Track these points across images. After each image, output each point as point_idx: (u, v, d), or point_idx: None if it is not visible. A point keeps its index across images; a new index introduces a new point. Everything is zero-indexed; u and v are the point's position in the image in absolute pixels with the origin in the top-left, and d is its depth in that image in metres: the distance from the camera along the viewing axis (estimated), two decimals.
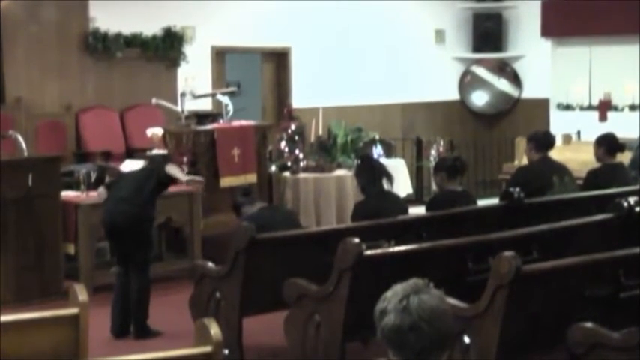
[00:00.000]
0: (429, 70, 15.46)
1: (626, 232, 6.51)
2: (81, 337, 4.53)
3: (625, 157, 9.47)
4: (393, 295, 2.87)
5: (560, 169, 8.60)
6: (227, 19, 13.25)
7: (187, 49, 12.85)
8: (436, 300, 2.86)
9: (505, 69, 15.89)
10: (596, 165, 8.97)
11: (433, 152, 12.95)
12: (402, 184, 11.70)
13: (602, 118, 14.56)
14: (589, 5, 14.48)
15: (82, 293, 4.59)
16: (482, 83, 15.92)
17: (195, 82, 12.20)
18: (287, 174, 10.97)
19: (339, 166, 11.36)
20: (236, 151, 10.05)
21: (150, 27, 12.49)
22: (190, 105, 10.76)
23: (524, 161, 9.19)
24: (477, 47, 15.89)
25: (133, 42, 12.38)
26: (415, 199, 12.59)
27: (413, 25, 15.27)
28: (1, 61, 11.43)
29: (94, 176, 9.25)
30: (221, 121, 10.36)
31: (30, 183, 8.44)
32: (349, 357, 5.83)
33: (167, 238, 9.55)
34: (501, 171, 12.79)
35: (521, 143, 12.67)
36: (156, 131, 10.38)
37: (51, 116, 11.79)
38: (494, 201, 8.58)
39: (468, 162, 13.76)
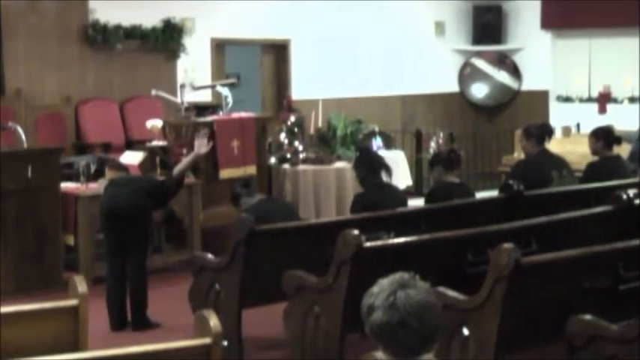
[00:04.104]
0: (428, 62, 15.45)
1: (625, 224, 6.51)
2: (80, 328, 4.54)
3: (623, 150, 9.47)
4: (380, 290, 2.85)
5: (559, 163, 8.59)
6: (227, 10, 13.24)
7: (187, 41, 12.84)
8: (423, 294, 2.84)
9: (505, 61, 15.88)
10: (595, 157, 8.97)
11: (433, 144, 12.95)
12: (401, 176, 11.72)
13: (602, 110, 14.56)
14: None
15: (81, 285, 4.60)
16: (482, 75, 15.92)
17: (194, 73, 12.20)
18: (286, 166, 10.98)
19: (339, 158, 11.36)
20: (235, 143, 10.05)
21: (149, 19, 12.48)
22: (190, 97, 10.76)
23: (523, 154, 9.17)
24: (477, 39, 15.88)
25: (133, 34, 12.37)
26: (414, 191, 12.59)
27: (413, 17, 15.25)
28: (1, 53, 11.42)
29: (93, 168, 9.26)
30: (220, 112, 10.36)
31: (30, 174, 8.44)
32: (348, 348, 5.84)
33: (166, 230, 9.54)
34: (501, 163, 12.82)
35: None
36: (155, 123, 10.38)
37: (50, 108, 11.78)
38: (493, 193, 8.59)
39: (468, 154, 13.84)
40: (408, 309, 2.79)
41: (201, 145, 7.97)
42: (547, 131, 8.75)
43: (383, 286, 2.86)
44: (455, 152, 8.22)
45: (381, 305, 2.82)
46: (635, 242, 5.56)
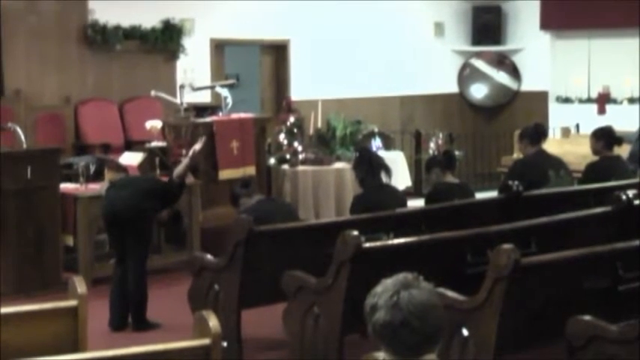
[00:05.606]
0: (428, 62, 15.45)
1: (624, 225, 6.51)
2: (80, 329, 4.53)
3: (623, 150, 9.47)
4: (384, 290, 2.86)
5: (556, 163, 8.61)
6: (226, 11, 13.24)
7: (186, 42, 12.84)
8: (426, 294, 2.84)
9: (504, 62, 15.88)
10: (594, 158, 8.98)
11: (432, 145, 12.95)
12: (400, 177, 11.71)
13: (601, 111, 14.57)
14: None
15: (80, 285, 4.60)
16: (481, 76, 15.92)
17: (194, 74, 12.20)
18: (286, 166, 10.98)
19: (338, 159, 11.36)
20: (235, 144, 10.05)
21: (149, 19, 12.48)
22: (189, 97, 10.75)
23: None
24: (477, 40, 15.89)
25: (132, 34, 12.37)
26: (414, 191, 12.59)
27: (412, 18, 15.26)
28: (1, 53, 11.42)
29: (92, 168, 9.27)
30: (220, 113, 10.35)
31: (29, 175, 8.44)
32: (348, 349, 5.84)
33: (167, 230, 9.54)
34: (500, 164, 12.81)
35: None
36: (155, 123, 10.38)
37: (50, 108, 11.79)
38: (493, 193, 8.59)
39: (467, 155, 13.85)
40: (411, 309, 2.80)
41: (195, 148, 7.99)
42: (540, 131, 8.77)
43: (387, 285, 2.86)
44: (449, 153, 8.32)
45: (384, 305, 2.82)
46: (634, 243, 5.56)
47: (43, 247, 8.61)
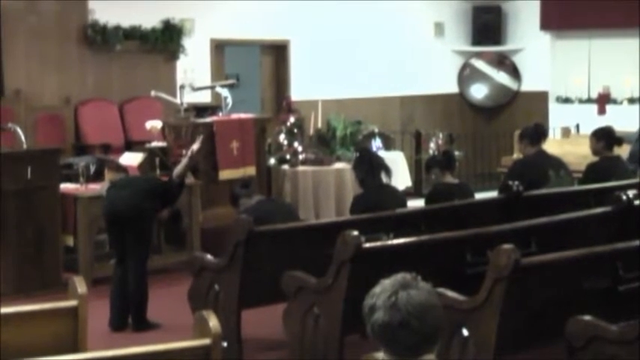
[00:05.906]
0: (428, 62, 15.45)
1: (625, 225, 6.51)
2: (80, 329, 4.53)
3: (623, 150, 9.48)
4: (382, 291, 2.85)
5: (556, 163, 8.62)
6: (226, 11, 13.24)
7: (186, 42, 12.84)
8: (425, 294, 2.84)
9: (504, 62, 15.89)
10: (594, 158, 8.98)
11: (432, 145, 12.94)
12: (400, 177, 11.71)
13: (601, 111, 14.57)
14: None
15: (80, 285, 4.60)
16: (481, 76, 15.92)
17: (194, 74, 12.20)
18: (286, 167, 10.98)
19: (338, 159, 11.36)
20: (235, 144, 10.05)
21: (149, 19, 12.48)
22: (189, 97, 10.75)
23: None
24: (477, 40, 15.89)
25: (132, 34, 12.37)
26: (414, 191, 12.59)
27: (412, 18, 15.26)
28: (1, 54, 11.42)
29: (92, 169, 9.27)
30: (220, 113, 10.35)
31: (29, 175, 8.44)
32: (348, 349, 5.84)
33: (167, 230, 9.54)
34: (500, 164, 12.81)
35: None
36: (155, 124, 10.38)
37: (50, 109, 11.79)
38: (493, 194, 8.60)
39: (467, 155, 13.85)
40: (410, 309, 2.79)
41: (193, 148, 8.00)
42: (540, 132, 8.78)
43: (385, 286, 2.86)
44: (448, 153, 8.33)
45: (383, 305, 2.82)
46: (634, 243, 5.56)
47: (43, 247, 8.61)
